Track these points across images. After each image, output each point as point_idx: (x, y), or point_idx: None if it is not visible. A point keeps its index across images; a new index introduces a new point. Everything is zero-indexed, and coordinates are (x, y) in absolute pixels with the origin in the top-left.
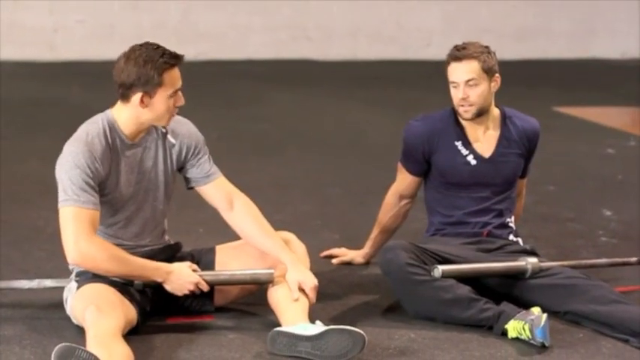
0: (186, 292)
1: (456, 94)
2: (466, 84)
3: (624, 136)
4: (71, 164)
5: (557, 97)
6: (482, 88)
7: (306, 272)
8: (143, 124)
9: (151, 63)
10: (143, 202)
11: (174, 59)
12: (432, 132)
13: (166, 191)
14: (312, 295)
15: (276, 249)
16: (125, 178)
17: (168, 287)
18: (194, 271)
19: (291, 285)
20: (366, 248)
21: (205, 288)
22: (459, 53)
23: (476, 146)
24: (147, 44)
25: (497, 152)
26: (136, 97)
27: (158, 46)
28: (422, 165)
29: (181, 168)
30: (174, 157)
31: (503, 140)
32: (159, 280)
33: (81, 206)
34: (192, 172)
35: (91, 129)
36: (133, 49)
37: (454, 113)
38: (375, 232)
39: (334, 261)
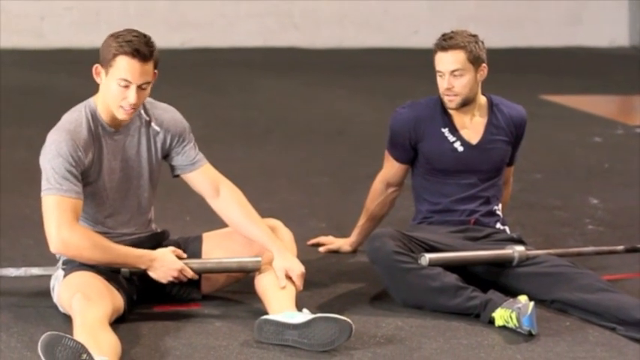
0: (171, 279)
1: (442, 84)
2: (451, 74)
3: (611, 125)
4: (54, 153)
5: (544, 85)
6: (468, 78)
7: (293, 260)
8: (108, 105)
9: (114, 41)
10: (127, 190)
11: (133, 50)
12: (418, 119)
13: (151, 179)
14: (299, 282)
15: (262, 236)
16: (108, 166)
17: (152, 275)
18: (180, 258)
19: (278, 272)
20: (353, 236)
21: (190, 274)
22: (446, 43)
23: (463, 133)
24: (134, 30)
25: (485, 139)
26: (94, 66)
27: (138, 35)
28: (409, 152)
29: (166, 156)
30: (159, 145)
31: (491, 127)
32: (142, 267)
33: (63, 195)
34: (178, 160)
35: (73, 117)
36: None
37: (441, 101)
38: (362, 220)
39: (321, 249)
